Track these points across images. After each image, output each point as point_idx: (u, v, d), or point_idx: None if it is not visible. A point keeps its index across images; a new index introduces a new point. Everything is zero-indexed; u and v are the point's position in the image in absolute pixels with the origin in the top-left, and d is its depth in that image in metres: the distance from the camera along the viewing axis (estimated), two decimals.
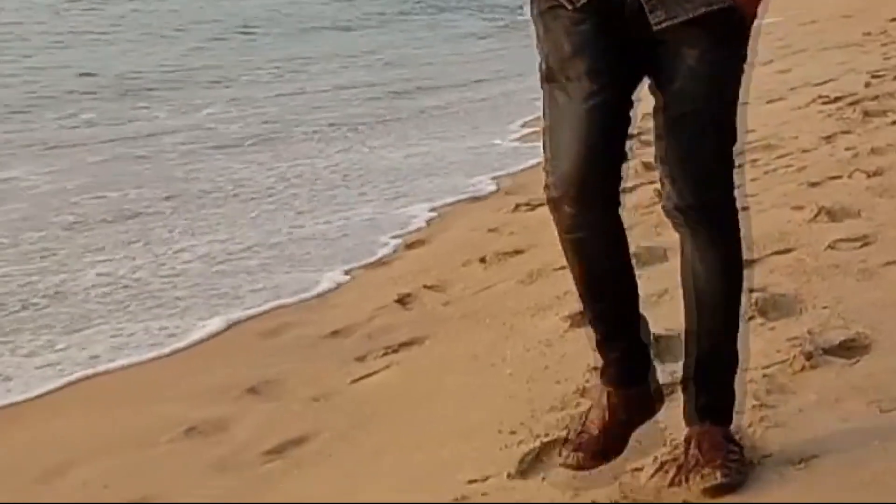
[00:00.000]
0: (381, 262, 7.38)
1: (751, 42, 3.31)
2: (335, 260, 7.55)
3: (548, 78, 3.27)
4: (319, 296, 6.76)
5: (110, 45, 17.29)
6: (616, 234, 3.33)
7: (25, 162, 10.78)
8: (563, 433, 3.66)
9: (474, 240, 7.53)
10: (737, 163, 3.37)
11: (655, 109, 3.30)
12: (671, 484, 3.33)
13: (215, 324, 6.37)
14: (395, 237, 7.97)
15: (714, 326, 3.38)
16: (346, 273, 7.20)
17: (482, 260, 6.79)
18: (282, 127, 12.54)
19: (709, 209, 3.30)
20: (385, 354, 5.45)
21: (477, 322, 5.63)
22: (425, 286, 6.43)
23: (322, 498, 4.07)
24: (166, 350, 6.03)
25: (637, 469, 3.48)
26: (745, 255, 3.51)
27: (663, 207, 3.35)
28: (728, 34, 3.23)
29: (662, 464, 3.44)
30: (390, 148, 11.40)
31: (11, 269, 7.62)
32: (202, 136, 11.84)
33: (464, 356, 5.16)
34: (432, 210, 8.65)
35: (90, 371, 5.73)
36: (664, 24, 3.17)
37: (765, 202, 6.19)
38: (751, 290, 4.45)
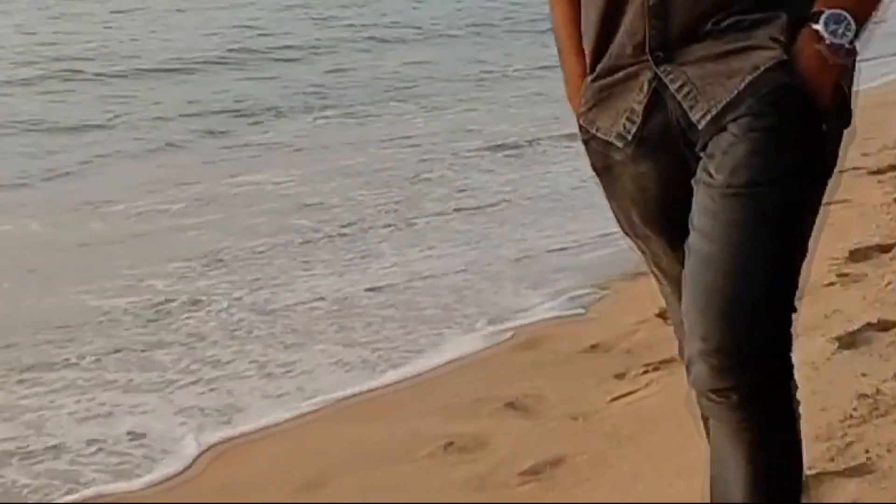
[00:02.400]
0: (639, 274, 6.99)
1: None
2: (590, 271, 7.45)
3: (630, 235, 2.80)
4: (576, 309, 6.68)
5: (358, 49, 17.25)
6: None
7: (272, 164, 10.84)
8: (829, 465, 3.48)
9: None
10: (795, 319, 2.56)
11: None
12: None
13: (473, 337, 6.34)
14: None
15: None
16: (603, 286, 7.14)
17: None
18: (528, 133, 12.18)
19: (751, 385, 2.47)
20: (645, 372, 5.34)
21: None
22: None
23: None
24: (425, 365, 6.03)
25: None
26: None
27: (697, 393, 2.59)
28: (790, 114, 2.48)
29: None
30: None
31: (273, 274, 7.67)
32: (451, 138, 11.60)
33: None
34: None
35: (353, 390, 5.79)
36: (708, 118, 2.52)
37: None
38: None
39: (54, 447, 5.20)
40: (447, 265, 7.73)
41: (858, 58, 2.54)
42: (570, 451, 4.60)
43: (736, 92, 2.48)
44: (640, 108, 2.58)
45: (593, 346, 5.84)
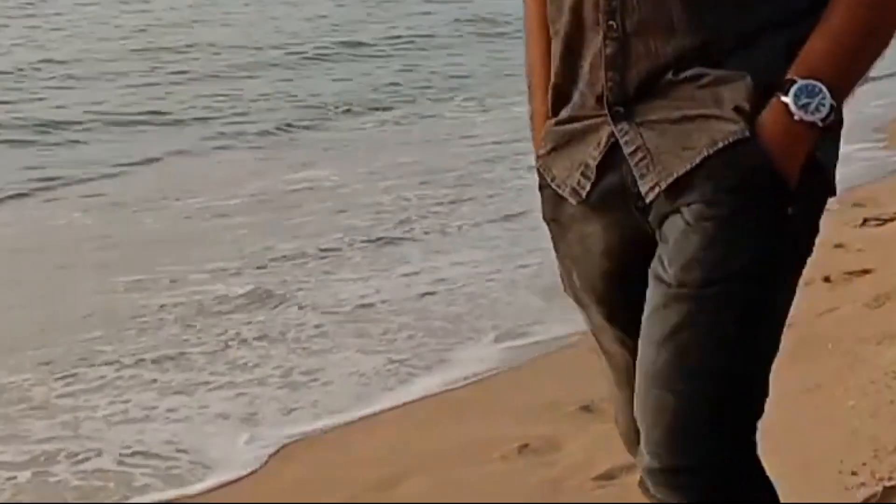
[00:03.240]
0: None
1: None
2: None
3: (573, 299, 2.50)
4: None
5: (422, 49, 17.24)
6: None
7: (335, 162, 10.84)
8: None
9: (818, 256, 7.06)
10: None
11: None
12: None
13: (547, 339, 6.31)
14: None
15: None
16: None
17: (826, 279, 6.47)
18: None
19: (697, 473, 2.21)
20: None
21: (819, 347, 5.37)
22: None
23: None
24: (503, 367, 6.02)
25: None
26: None
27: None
28: (749, 200, 2.17)
29: None
30: None
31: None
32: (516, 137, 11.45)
33: (804, 383, 4.94)
34: None
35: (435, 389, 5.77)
36: (657, 191, 2.24)
37: None
38: None
39: (95, 449, 5.21)
40: (532, 264, 7.64)
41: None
42: None
43: (689, 167, 2.19)
44: (594, 165, 2.34)
45: None
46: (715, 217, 2.15)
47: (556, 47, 2.38)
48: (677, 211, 2.20)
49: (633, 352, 2.28)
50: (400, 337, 6.49)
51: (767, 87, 2.15)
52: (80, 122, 12.29)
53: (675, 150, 2.21)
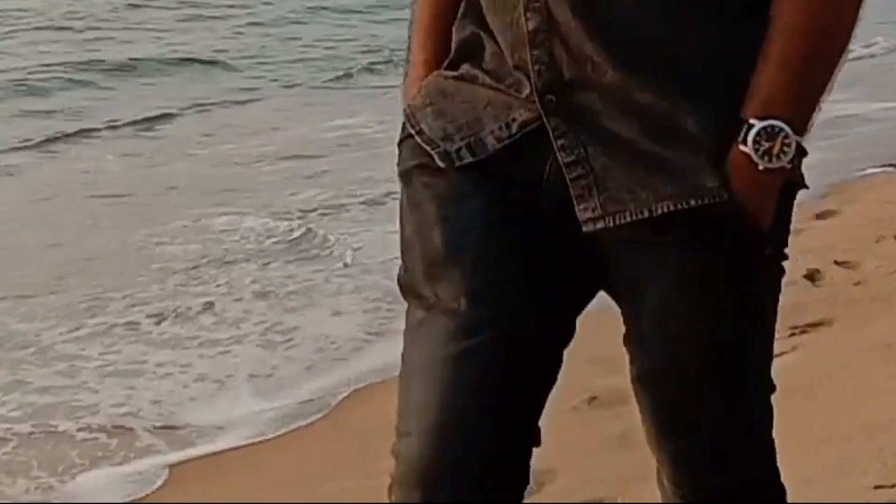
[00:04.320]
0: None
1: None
2: None
3: (406, 288, 2.01)
4: None
5: None
6: None
7: (370, 110, 10.52)
8: None
9: (888, 213, 6.90)
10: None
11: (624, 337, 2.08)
12: None
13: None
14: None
15: None
16: None
17: None
18: None
19: None
20: (792, 335, 5.06)
21: (890, 306, 5.23)
22: (835, 262, 5.99)
23: None
24: None
25: None
26: None
27: None
28: (729, 247, 1.94)
29: None
30: None
31: None
32: None
33: (874, 343, 4.79)
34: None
35: None
36: (599, 226, 1.91)
37: None
38: None
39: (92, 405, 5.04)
40: None
41: None
42: None
43: (646, 214, 1.89)
44: (493, 145, 1.95)
45: None
46: (689, 281, 1.93)
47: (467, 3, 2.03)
48: (636, 262, 1.95)
49: (481, 350, 1.93)
50: None
51: (735, 117, 1.88)
52: (127, 66, 12.28)
53: (627, 181, 1.89)
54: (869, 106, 10.41)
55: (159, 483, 4.48)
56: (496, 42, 1.96)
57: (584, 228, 1.89)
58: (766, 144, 1.87)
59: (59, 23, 14.14)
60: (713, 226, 1.89)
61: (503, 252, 1.95)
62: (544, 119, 1.90)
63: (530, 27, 1.90)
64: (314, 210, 7.65)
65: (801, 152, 1.90)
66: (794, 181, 1.95)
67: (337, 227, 7.32)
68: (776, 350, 4.71)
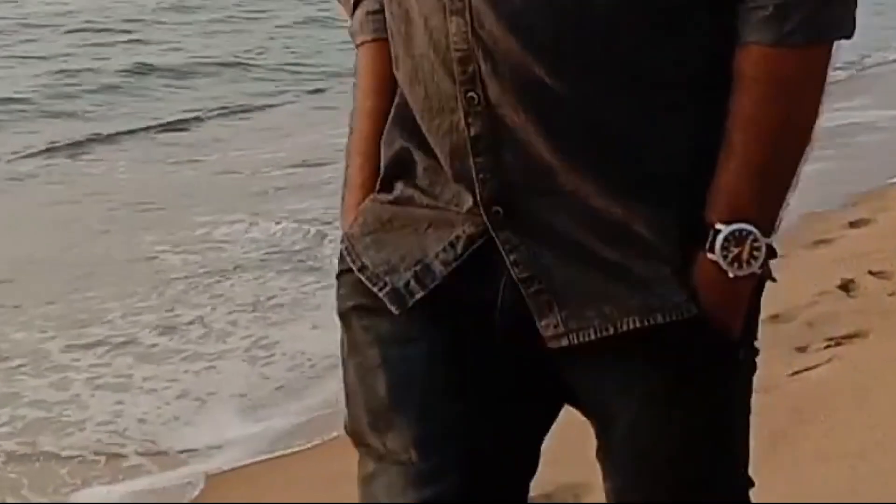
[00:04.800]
0: (820, 241, 6.78)
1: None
2: (782, 236, 6.86)
3: (353, 436, 1.89)
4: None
5: None
6: None
7: None
8: None
9: None
10: None
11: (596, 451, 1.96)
12: None
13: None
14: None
15: None
16: (782, 253, 6.48)
17: None
18: None
19: None
20: (827, 347, 5.02)
21: None
22: (870, 272, 5.86)
23: None
24: None
25: None
26: None
27: None
28: (699, 361, 1.83)
29: None
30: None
31: None
32: None
33: None
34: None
35: None
36: (563, 343, 1.78)
37: None
38: None
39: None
40: None
41: None
42: (754, 424, 4.21)
43: (611, 331, 1.76)
44: (441, 270, 1.80)
45: (773, 317, 5.34)
46: (657, 399, 1.81)
47: (401, 112, 1.86)
48: (601, 381, 1.81)
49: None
50: None
51: (698, 224, 1.75)
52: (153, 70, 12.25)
53: (589, 295, 1.76)
54: (883, 113, 10.42)
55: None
56: (428, 154, 1.80)
57: (549, 345, 1.76)
58: (735, 250, 1.73)
59: (87, 25, 14.18)
60: (681, 340, 1.76)
61: (451, 393, 1.81)
62: (492, 233, 1.76)
63: (473, 132, 1.73)
64: (318, 219, 7.60)
65: (772, 254, 1.76)
66: (762, 277, 1.82)
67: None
68: (812, 362, 4.92)
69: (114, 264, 6.82)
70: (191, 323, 5.92)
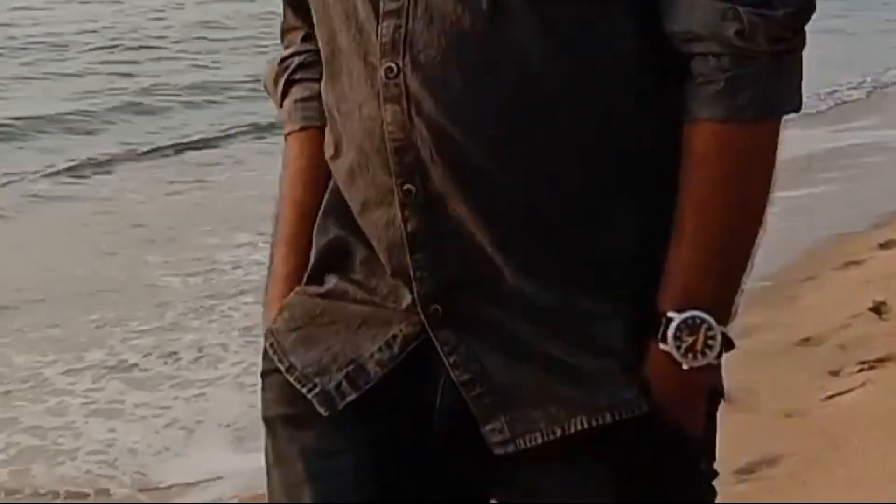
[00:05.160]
0: (850, 263, 6.81)
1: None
2: (811, 257, 7.00)
3: None
4: (788, 296, 6.28)
5: None
6: None
7: None
8: None
9: None
10: None
11: None
12: None
13: None
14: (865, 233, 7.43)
15: None
16: (812, 275, 6.71)
17: None
18: None
19: None
20: (860, 371, 5.03)
21: None
22: None
23: None
24: None
25: None
26: None
27: None
28: (654, 464, 1.74)
29: None
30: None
31: None
32: None
33: None
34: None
35: None
36: (510, 449, 1.70)
37: None
38: None
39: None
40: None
41: None
42: (784, 450, 4.42)
43: (559, 433, 1.67)
44: (376, 371, 1.72)
45: (805, 340, 5.53)
46: (612, 501, 1.70)
47: (332, 201, 1.78)
48: (548, 485, 1.71)
49: None
50: None
51: (651, 314, 1.66)
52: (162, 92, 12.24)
53: (534, 396, 1.67)
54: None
55: None
56: (366, 245, 1.72)
57: (494, 451, 1.66)
58: (689, 340, 1.64)
59: (111, 43, 14.25)
60: (632, 437, 1.66)
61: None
62: (430, 333, 1.67)
63: (410, 228, 1.64)
64: None
65: (728, 344, 1.66)
66: (715, 387, 1.71)
67: None
68: (845, 386, 4.91)
69: (119, 287, 6.87)
70: (189, 348, 5.95)
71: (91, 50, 13.84)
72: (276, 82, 1.86)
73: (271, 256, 1.87)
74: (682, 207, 1.63)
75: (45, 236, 7.97)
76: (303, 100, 1.84)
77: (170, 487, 4.68)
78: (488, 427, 1.65)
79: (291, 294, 1.79)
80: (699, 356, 1.64)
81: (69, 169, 9.45)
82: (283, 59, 1.86)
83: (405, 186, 1.63)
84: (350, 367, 1.70)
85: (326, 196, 1.76)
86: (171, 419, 5.19)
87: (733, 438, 4.59)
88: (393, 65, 1.60)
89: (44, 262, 7.32)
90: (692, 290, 1.64)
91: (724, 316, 1.65)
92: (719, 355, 1.65)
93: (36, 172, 9.33)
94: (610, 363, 1.64)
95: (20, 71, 12.78)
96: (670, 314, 1.62)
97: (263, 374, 1.78)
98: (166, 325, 6.24)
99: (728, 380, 5.04)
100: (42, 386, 5.50)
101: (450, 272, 1.65)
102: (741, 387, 4.85)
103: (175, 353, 5.90)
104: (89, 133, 10.57)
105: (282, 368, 1.74)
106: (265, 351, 1.78)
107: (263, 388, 1.79)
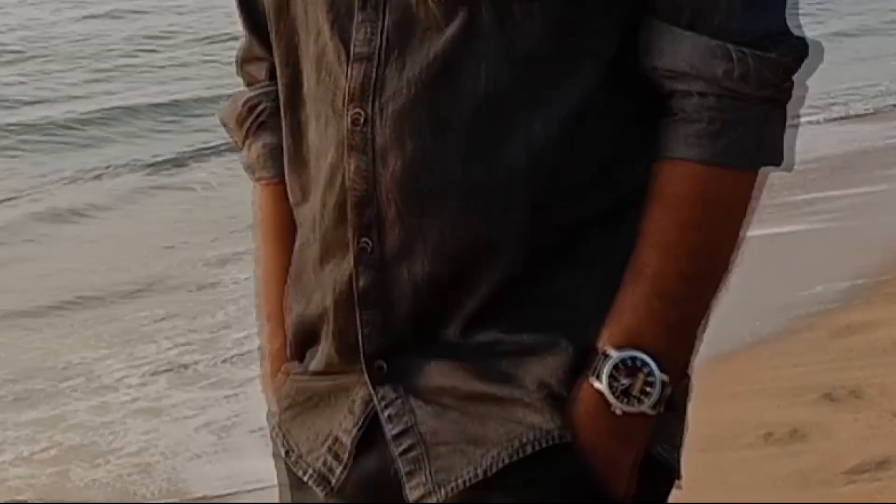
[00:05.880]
0: None
1: None
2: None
3: None
4: (887, 294, 6.30)
5: None
6: None
7: None
8: None
9: None
10: None
11: None
12: None
13: (780, 321, 5.99)
14: None
15: None
16: None
17: None
18: None
19: None
20: None
21: None
22: None
23: None
24: (741, 344, 5.70)
25: None
26: None
27: None
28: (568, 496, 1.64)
29: None
30: None
31: None
32: None
33: None
34: None
35: None
36: (432, 500, 1.63)
37: None
38: None
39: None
40: None
41: None
42: (894, 451, 4.46)
43: (478, 476, 1.58)
44: (348, 441, 1.67)
45: None
46: None
47: (297, 264, 1.73)
48: None
49: None
50: None
51: (586, 349, 1.57)
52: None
53: (458, 441, 1.60)
54: None
55: None
56: (324, 318, 1.73)
57: None
58: (625, 381, 1.54)
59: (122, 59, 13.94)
60: (553, 490, 1.58)
61: None
62: (371, 390, 1.65)
63: (362, 284, 1.61)
64: None
65: (669, 401, 1.55)
66: (663, 459, 1.60)
67: None
68: None
69: (176, 281, 7.01)
70: (230, 347, 6.03)
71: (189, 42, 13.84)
72: (240, 124, 1.77)
73: (260, 328, 1.86)
74: (641, 245, 1.55)
75: (116, 233, 8.12)
76: (277, 147, 1.75)
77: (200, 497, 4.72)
78: (413, 482, 1.59)
79: (280, 374, 1.77)
80: (634, 403, 1.53)
81: (152, 165, 9.51)
82: (248, 100, 1.76)
83: (362, 241, 1.58)
84: (329, 441, 1.68)
85: (293, 258, 1.72)
86: (207, 420, 5.24)
87: (840, 438, 4.57)
88: (360, 112, 1.55)
89: (110, 259, 7.45)
90: (637, 331, 1.55)
91: (669, 365, 1.54)
92: (656, 406, 1.52)
93: (120, 166, 9.40)
94: (537, 396, 1.55)
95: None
96: (609, 351, 1.53)
97: (274, 457, 1.78)
98: (219, 325, 6.31)
99: (831, 377, 4.65)
100: (91, 382, 5.57)
101: (398, 329, 1.60)
102: (844, 385, 5.01)
103: (220, 352, 5.99)
104: (175, 130, 10.55)
105: (281, 453, 1.74)
106: (270, 433, 1.79)
107: (277, 472, 1.77)
